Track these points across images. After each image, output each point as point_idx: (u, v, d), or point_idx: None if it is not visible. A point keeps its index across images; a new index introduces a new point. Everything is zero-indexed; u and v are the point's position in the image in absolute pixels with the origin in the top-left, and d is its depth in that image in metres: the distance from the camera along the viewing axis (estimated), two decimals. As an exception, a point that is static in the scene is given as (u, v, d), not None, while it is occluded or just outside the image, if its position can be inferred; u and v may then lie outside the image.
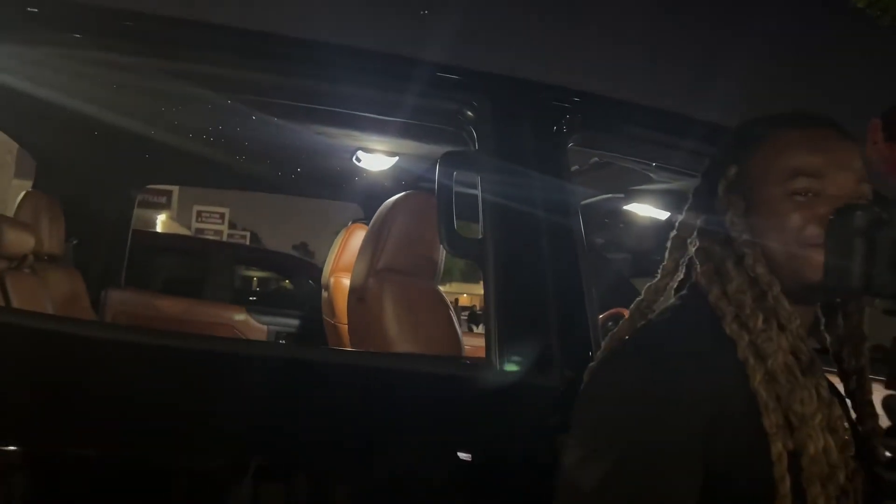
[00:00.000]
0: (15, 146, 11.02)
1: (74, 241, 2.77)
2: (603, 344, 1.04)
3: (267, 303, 6.07)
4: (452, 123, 1.49)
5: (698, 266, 0.95)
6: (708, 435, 0.81)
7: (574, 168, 2.36)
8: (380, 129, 1.94)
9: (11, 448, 1.03)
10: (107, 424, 1.08)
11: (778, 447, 0.82)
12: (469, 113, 1.42)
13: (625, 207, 2.43)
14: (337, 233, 2.78)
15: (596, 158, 2.15)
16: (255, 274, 8.68)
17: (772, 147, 0.91)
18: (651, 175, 1.95)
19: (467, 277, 39.25)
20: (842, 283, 0.84)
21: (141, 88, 1.80)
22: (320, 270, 2.97)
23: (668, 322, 0.95)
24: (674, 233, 1.03)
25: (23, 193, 2.47)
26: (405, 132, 1.91)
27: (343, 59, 1.42)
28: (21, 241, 2.17)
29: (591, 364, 1.00)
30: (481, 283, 1.34)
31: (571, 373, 1.24)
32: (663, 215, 2.26)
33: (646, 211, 2.35)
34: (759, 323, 0.87)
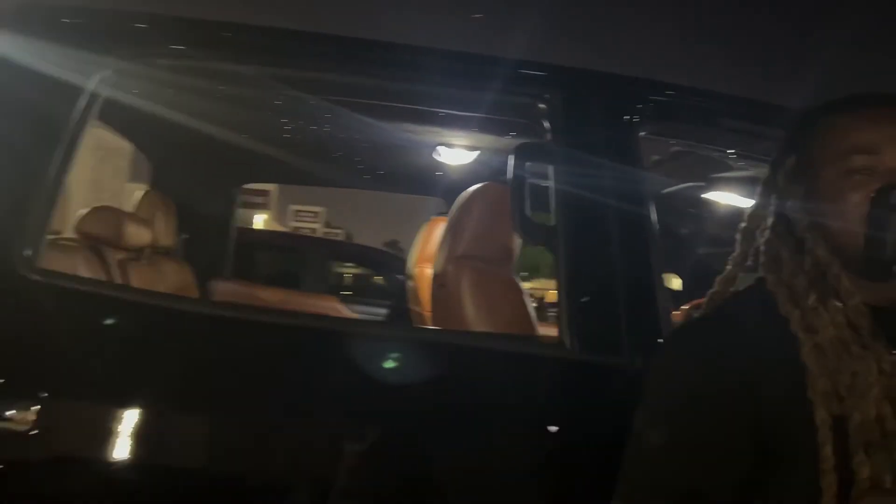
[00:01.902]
0: (129, 154, 11.88)
1: (185, 237, 3.03)
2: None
3: (361, 295, 6.30)
4: (526, 116, 1.57)
5: (762, 255, 1.00)
6: (765, 404, 0.87)
7: (655, 157, 2.38)
8: (459, 124, 2.04)
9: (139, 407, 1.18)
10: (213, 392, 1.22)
11: (821, 413, 0.85)
12: (541, 106, 1.48)
13: (706, 196, 2.42)
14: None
15: (676, 147, 2.17)
16: (350, 270, 8.99)
17: (827, 131, 0.94)
18: (730, 163, 1.95)
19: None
20: (880, 256, 0.87)
21: (242, 96, 1.97)
22: (409, 265, 3.10)
23: (733, 303, 1.01)
24: (743, 224, 1.07)
25: (141, 193, 2.73)
26: (483, 127, 2.00)
27: (424, 60, 1.52)
28: (139, 235, 2.41)
29: (663, 337, 1.08)
30: None
31: (639, 353, 1.29)
32: (746, 203, 2.24)
33: (728, 199, 2.34)
34: (811, 301, 0.91)
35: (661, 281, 1.39)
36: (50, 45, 1.29)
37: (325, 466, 1.22)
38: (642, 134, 1.50)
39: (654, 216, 1.42)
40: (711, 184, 2.29)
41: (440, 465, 1.25)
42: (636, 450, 0.93)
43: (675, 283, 2.99)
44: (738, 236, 1.07)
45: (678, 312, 2.20)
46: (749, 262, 1.06)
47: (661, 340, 1.31)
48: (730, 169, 2.00)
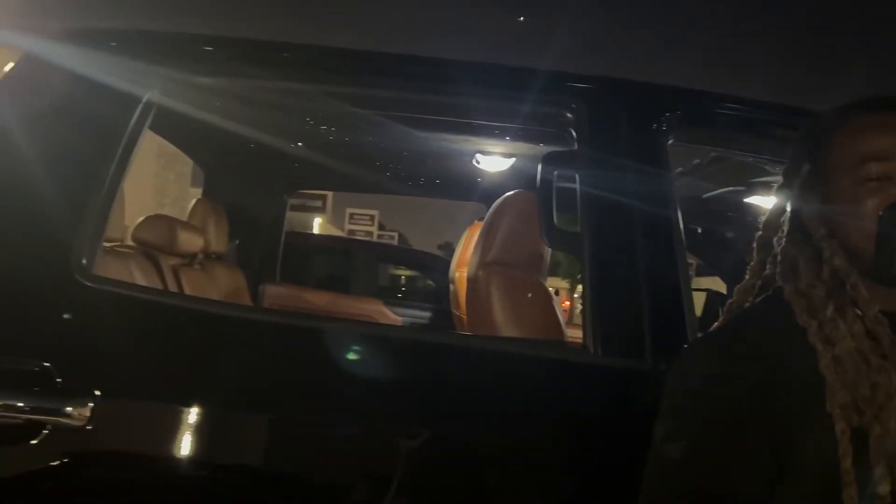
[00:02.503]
0: (190, 160, 12.25)
1: (236, 242, 3.16)
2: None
3: (412, 299, 6.39)
4: (554, 125, 1.60)
5: (778, 264, 0.99)
6: (780, 416, 0.87)
7: (695, 162, 2.37)
8: (494, 133, 2.08)
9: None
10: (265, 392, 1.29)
11: (841, 426, 0.85)
12: (568, 115, 1.51)
13: (749, 200, 2.39)
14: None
15: (714, 152, 2.16)
16: (403, 272, 9.09)
17: (840, 138, 0.93)
18: (767, 168, 1.93)
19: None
20: (887, 273, 0.87)
21: (292, 108, 2.06)
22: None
23: (751, 313, 1.01)
24: (759, 233, 1.06)
25: (193, 201, 2.86)
26: (517, 134, 2.04)
27: (458, 73, 1.57)
28: (192, 242, 2.53)
29: (682, 349, 1.08)
30: None
31: (663, 359, 1.31)
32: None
33: (769, 204, 2.30)
34: (829, 312, 0.90)
35: (688, 287, 1.39)
36: (109, 61, 1.39)
37: (362, 466, 1.27)
38: (670, 142, 1.51)
39: (680, 223, 1.43)
40: (753, 188, 2.27)
41: (465, 469, 1.28)
42: (657, 461, 0.93)
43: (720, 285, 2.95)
44: (754, 245, 1.07)
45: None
46: (767, 272, 1.05)
47: (684, 346, 1.32)
48: (768, 174, 1.98)
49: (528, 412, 1.30)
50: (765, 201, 2.33)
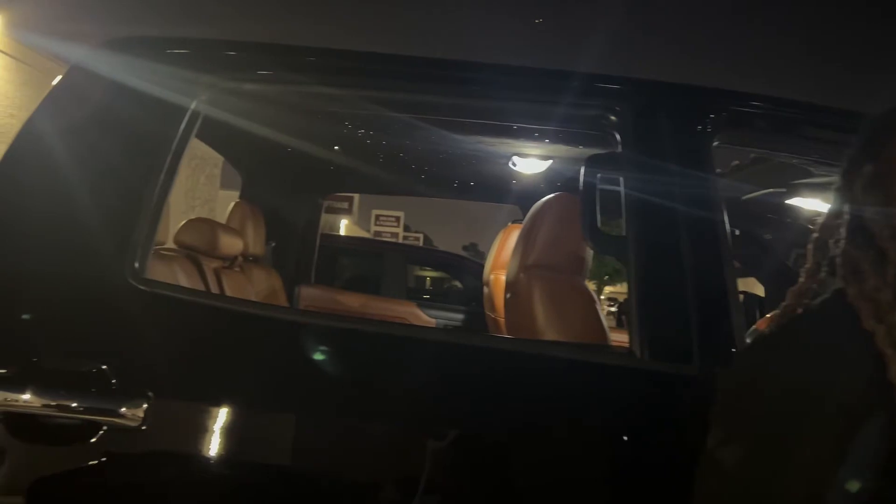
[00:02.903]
0: (220, 161, 12.45)
1: (272, 244, 3.19)
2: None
3: (439, 300, 6.41)
4: (597, 128, 1.59)
5: (839, 267, 0.97)
6: (842, 424, 0.85)
7: (734, 163, 2.35)
8: (532, 135, 2.08)
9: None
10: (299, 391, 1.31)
11: None
12: (612, 117, 1.51)
13: (789, 202, 2.37)
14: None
15: (754, 154, 2.13)
16: (429, 273, 9.13)
17: None
18: (811, 170, 1.90)
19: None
20: None
21: (329, 112, 2.08)
22: (487, 269, 3.15)
23: (811, 316, 0.99)
24: (815, 234, 1.04)
25: (232, 204, 2.90)
26: (556, 137, 2.03)
27: (499, 77, 1.57)
28: (231, 244, 2.57)
29: (735, 352, 1.06)
30: None
31: (711, 363, 1.30)
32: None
33: (810, 206, 2.27)
34: None
35: (734, 290, 1.38)
36: (157, 70, 1.42)
37: (406, 470, 1.27)
38: (715, 144, 1.50)
39: (726, 225, 1.41)
40: (794, 190, 2.24)
41: (505, 476, 1.28)
42: (710, 468, 0.92)
43: (759, 289, 2.92)
44: (809, 248, 1.05)
45: (762, 321, 2.16)
46: (822, 274, 1.03)
47: (734, 350, 1.30)
48: (811, 176, 1.96)
49: (573, 417, 1.29)
50: (807, 203, 2.31)
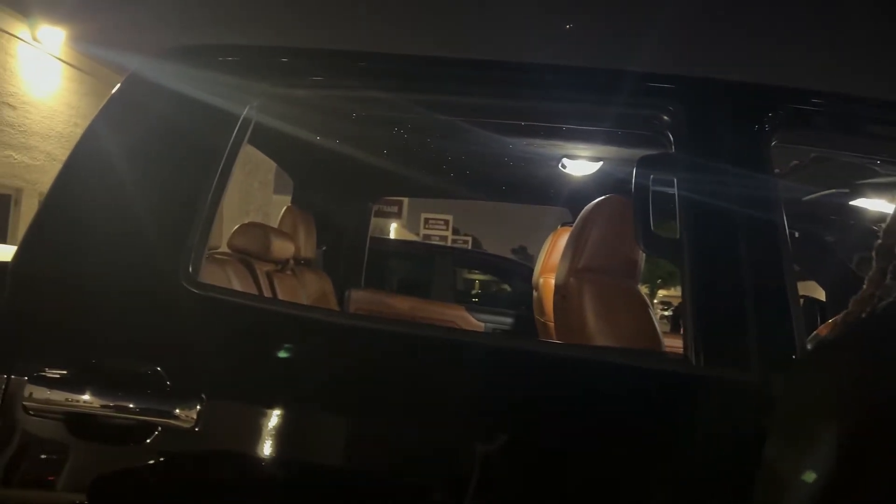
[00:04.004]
0: (274, 166, 12.74)
1: (323, 248, 3.24)
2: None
3: (487, 303, 6.40)
4: (649, 128, 1.56)
5: None
6: None
7: (793, 163, 2.27)
8: (582, 137, 2.05)
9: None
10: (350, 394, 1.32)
11: None
12: (665, 117, 1.47)
13: (851, 203, 2.27)
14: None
15: (815, 153, 2.06)
16: (477, 276, 9.12)
17: None
18: (876, 169, 1.83)
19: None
20: None
21: (380, 117, 2.10)
22: (535, 273, 3.13)
23: (874, 324, 0.97)
24: (878, 241, 1.01)
25: (284, 208, 2.95)
26: (607, 138, 2.00)
27: (549, 77, 1.55)
28: (284, 248, 2.61)
29: (798, 358, 1.02)
30: None
31: (770, 370, 1.25)
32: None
33: (875, 206, 2.18)
34: None
35: (794, 294, 1.33)
36: (210, 79, 1.45)
37: (458, 474, 1.26)
38: (774, 143, 1.45)
39: (785, 227, 1.36)
40: (858, 190, 2.15)
41: (556, 483, 1.26)
42: (771, 481, 0.90)
43: (820, 293, 2.82)
44: (873, 254, 1.01)
45: (823, 327, 2.08)
46: (888, 281, 0.99)
47: (794, 357, 1.26)
48: (876, 175, 1.88)
49: (625, 425, 1.27)
50: (872, 204, 2.21)
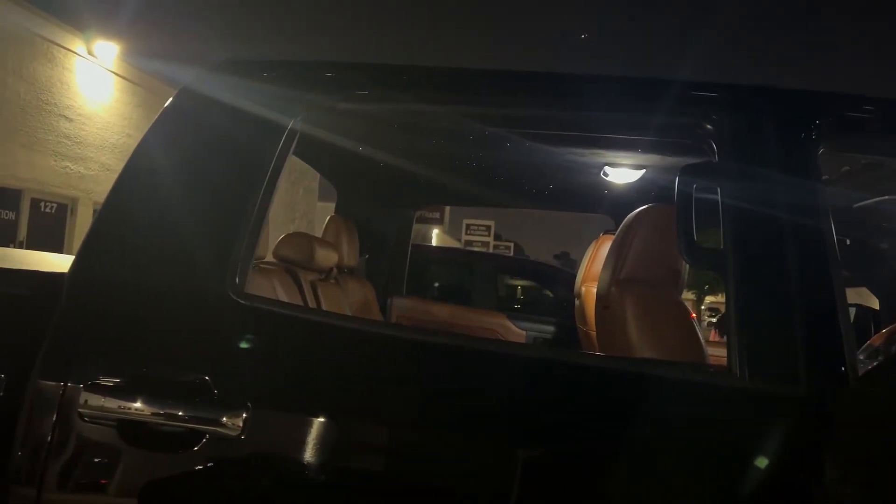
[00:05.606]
0: (317, 175, 12.92)
1: (366, 256, 3.27)
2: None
3: (529, 311, 6.37)
4: (692, 137, 1.54)
5: None
6: None
7: (844, 169, 2.21)
8: (624, 145, 2.03)
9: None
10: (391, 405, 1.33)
11: None
12: (708, 126, 1.45)
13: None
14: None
15: (866, 160, 2.00)
16: (519, 283, 9.08)
17: None
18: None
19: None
20: None
21: (423, 128, 2.12)
22: (578, 280, 3.11)
23: None
24: None
25: (327, 218, 3.00)
26: (649, 147, 1.98)
27: (592, 87, 1.55)
28: (327, 257, 2.65)
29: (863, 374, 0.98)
30: None
31: (819, 384, 1.22)
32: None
33: (932, 213, 2.11)
34: None
35: (844, 303, 1.29)
36: (258, 91, 1.49)
37: (503, 483, 1.27)
38: (821, 151, 1.41)
39: (833, 235, 1.33)
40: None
41: (596, 496, 1.26)
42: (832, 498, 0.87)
43: (873, 301, 2.74)
44: None
45: (877, 337, 2.01)
46: None
47: (843, 369, 1.22)
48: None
49: (668, 438, 1.25)
50: (927, 211, 2.14)
